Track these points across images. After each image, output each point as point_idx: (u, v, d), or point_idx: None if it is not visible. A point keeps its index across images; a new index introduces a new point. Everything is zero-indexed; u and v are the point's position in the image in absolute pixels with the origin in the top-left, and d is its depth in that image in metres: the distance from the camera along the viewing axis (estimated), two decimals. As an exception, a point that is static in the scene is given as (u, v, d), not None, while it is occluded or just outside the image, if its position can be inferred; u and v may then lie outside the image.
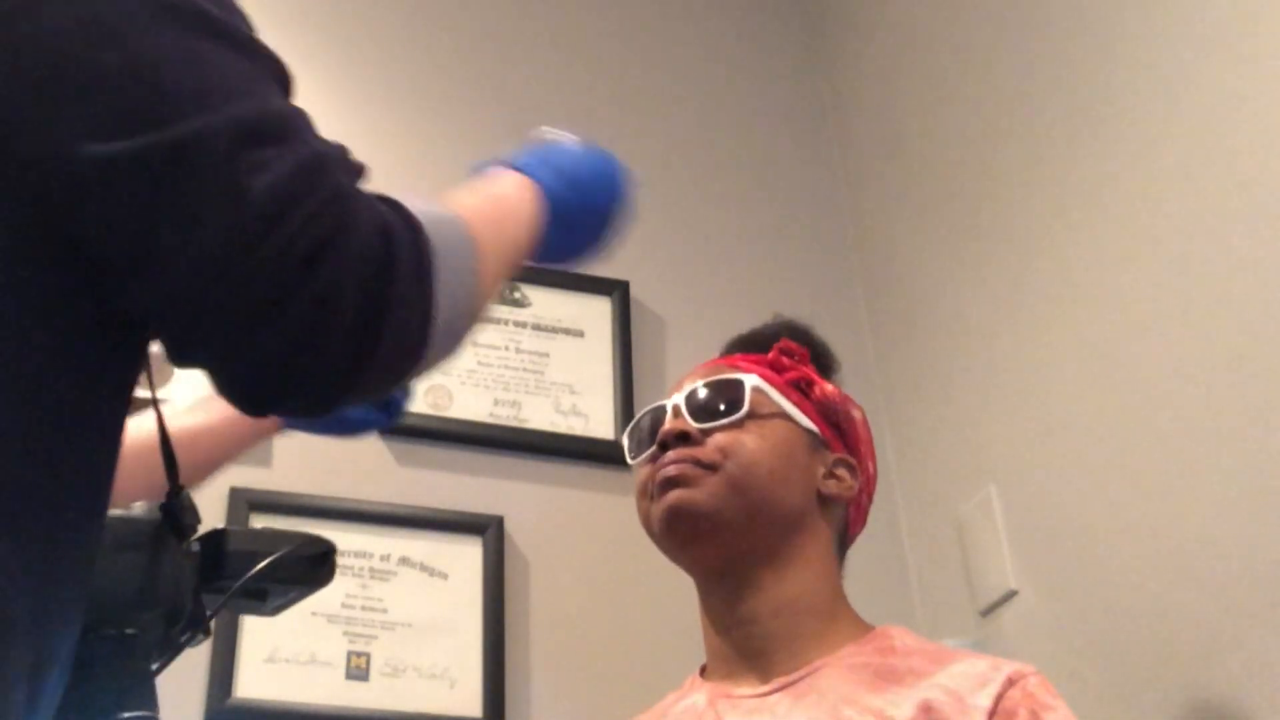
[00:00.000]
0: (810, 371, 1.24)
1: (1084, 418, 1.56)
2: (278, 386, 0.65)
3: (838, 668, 1.08)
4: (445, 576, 1.67)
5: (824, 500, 1.19)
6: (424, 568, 1.67)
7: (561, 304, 1.92)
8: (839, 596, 1.19)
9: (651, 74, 2.22)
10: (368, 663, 1.59)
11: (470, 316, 0.74)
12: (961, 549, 1.73)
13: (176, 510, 0.80)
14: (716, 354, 1.31)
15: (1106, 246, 1.56)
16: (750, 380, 1.19)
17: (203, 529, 0.85)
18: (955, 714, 1.01)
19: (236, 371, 0.65)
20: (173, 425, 0.91)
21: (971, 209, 1.85)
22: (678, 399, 1.21)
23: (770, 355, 1.23)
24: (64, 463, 0.63)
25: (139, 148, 0.61)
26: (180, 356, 0.65)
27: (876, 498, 1.29)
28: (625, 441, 1.27)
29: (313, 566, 0.89)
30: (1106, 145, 1.58)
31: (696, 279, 2.04)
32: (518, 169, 0.91)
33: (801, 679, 1.09)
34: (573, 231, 0.94)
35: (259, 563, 0.85)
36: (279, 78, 0.69)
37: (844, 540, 1.23)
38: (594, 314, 1.93)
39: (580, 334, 1.92)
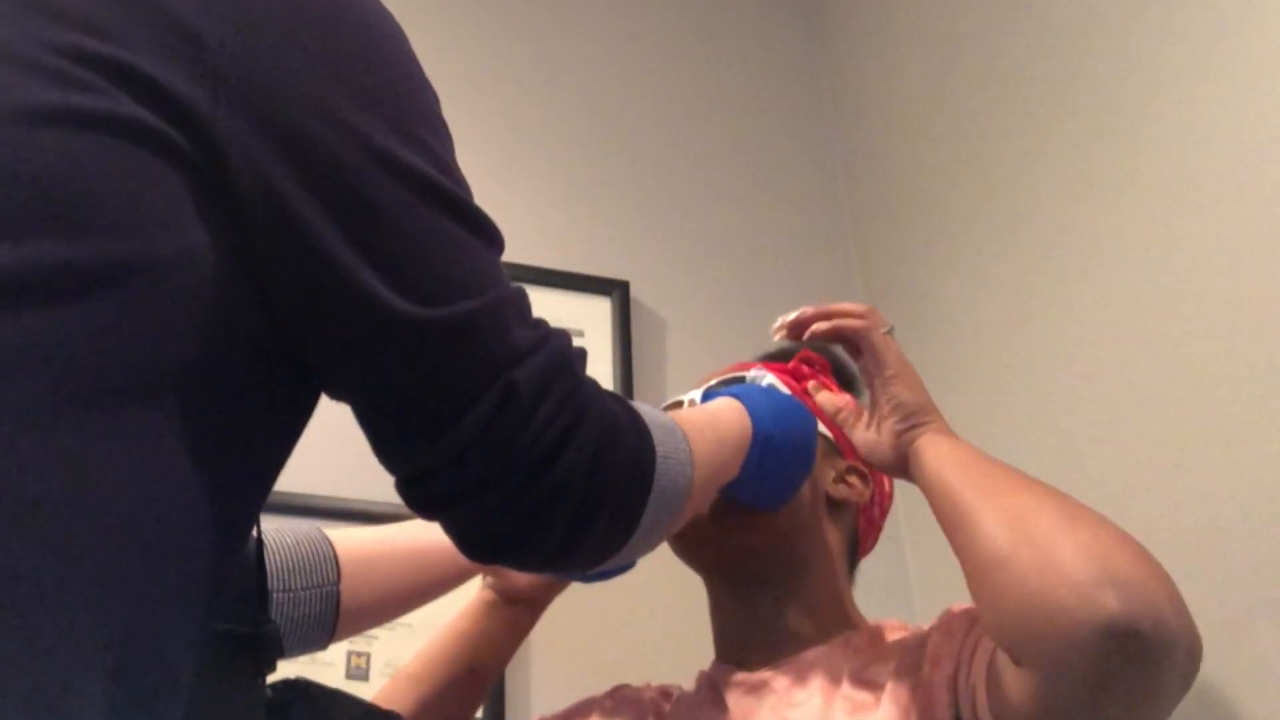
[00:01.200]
0: (829, 381, 1.24)
1: (1084, 416, 1.56)
2: (498, 548, 0.73)
3: (835, 647, 1.10)
4: (446, 576, 1.67)
5: (833, 504, 1.19)
6: (424, 567, 1.66)
7: (562, 304, 1.91)
8: (847, 602, 1.19)
9: (651, 74, 2.22)
10: (367, 662, 1.59)
11: (675, 518, 0.82)
12: (962, 549, 1.73)
13: (259, 640, 0.76)
14: (719, 354, 1.32)
15: (1108, 246, 1.56)
16: (767, 379, 1.20)
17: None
18: (927, 654, 1.04)
19: (468, 528, 0.72)
20: (409, 535, 1.06)
21: (973, 208, 1.85)
22: (694, 394, 1.22)
23: (791, 364, 1.24)
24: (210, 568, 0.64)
25: (434, 318, 0.66)
26: (426, 509, 0.71)
27: (877, 497, 1.29)
28: None
29: None
30: (1110, 144, 1.58)
31: (696, 279, 2.04)
32: (737, 398, 1.02)
33: (801, 659, 1.10)
34: (770, 464, 1.03)
35: None
36: (501, 250, 0.74)
37: (854, 550, 1.23)
38: (594, 314, 1.93)
39: (580, 334, 1.91)
